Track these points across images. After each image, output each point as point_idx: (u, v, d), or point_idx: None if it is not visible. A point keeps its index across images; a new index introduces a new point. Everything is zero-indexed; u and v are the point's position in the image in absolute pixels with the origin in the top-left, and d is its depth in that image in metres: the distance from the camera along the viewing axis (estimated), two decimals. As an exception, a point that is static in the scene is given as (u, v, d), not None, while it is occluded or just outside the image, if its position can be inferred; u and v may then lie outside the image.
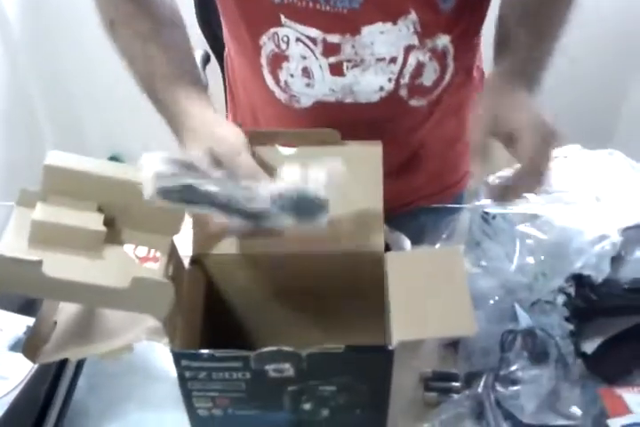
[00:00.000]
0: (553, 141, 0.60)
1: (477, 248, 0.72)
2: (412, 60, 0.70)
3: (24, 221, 0.52)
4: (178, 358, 0.52)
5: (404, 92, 0.73)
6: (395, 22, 0.67)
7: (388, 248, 0.63)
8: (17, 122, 1.64)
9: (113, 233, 0.54)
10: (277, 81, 0.75)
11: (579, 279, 0.60)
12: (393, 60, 0.70)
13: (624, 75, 1.77)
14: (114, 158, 1.92)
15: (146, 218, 0.56)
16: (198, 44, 1.16)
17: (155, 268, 0.56)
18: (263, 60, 0.74)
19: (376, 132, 0.64)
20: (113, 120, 1.83)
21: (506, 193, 0.62)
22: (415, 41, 0.69)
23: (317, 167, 0.55)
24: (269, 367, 0.52)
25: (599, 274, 0.60)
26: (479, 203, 0.71)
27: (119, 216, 0.55)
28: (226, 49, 0.87)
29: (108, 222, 0.54)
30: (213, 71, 1.15)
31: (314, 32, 0.68)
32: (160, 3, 0.68)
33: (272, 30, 0.70)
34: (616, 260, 0.60)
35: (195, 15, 1.17)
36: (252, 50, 0.74)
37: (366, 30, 0.67)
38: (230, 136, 0.60)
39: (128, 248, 0.56)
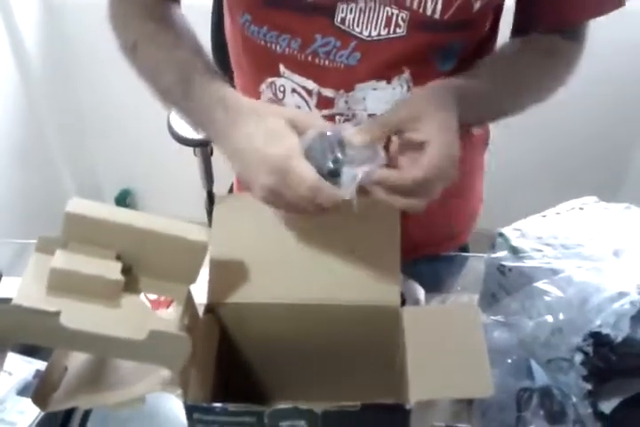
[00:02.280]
0: (446, 178, 0.56)
1: (493, 301, 0.71)
2: None
3: (42, 267, 0.52)
4: (190, 411, 0.52)
5: (394, 148, 0.73)
6: (389, 81, 0.68)
7: (402, 296, 0.63)
8: (31, 157, 1.66)
9: (130, 281, 0.54)
10: None
11: (597, 338, 0.59)
12: None
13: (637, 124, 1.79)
14: (125, 192, 1.94)
15: (163, 266, 0.56)
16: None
17: (169, 316, 0.56)
18: None
19: None
20: (125, 155, 1.85)
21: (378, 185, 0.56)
22: None
23: None
24: (284, 424, 0.51)
25: (618, 333, 0.59)
26: (495, 255, 0.71)
27: (137, 264, 0.55)
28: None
29: (126, 270, 0.54)
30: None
31: (310, 84, 0.69)
32: (178, 20, 0.71)
33: (270, 79, 0.72)
34: (635, 319, 0.60)
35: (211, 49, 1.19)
36: (252, 96, 0.76)
37: (359, 86, 0.68)
38: (274, 153, 0.56)
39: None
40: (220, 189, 1.24)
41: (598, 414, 0.59)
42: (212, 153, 1.27)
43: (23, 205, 1.58)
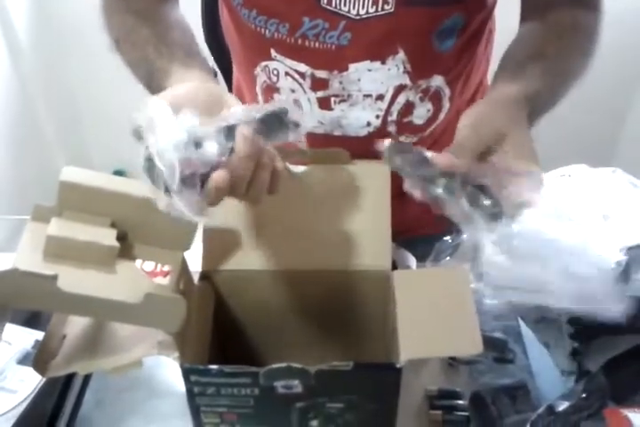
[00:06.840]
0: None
1: (482, 265, 0.72)
2: (400, 99, 0.70)
3: (38, 236, 0.53)
4: (187, 373, 0.53)
5: (392, 129, 0.73)
6: (383, 61, 0.67)
7: (394, 264, 0.64)
8: (24, 137, 1.65)
9: (125, 248, 0.55)
10: None
11: (584, 298, 0.61)
12: (380, 97, 0.70)
13: (625, 92, 1.80)
14: (118, 173, 1.94)
15: (157, 233, 0.57)
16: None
17: (165, 283, 0.57)
18: (258, 89, 0.75)
19: None
20: (118, 135, 1.85)
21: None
22: (406, 80, 0.69)
23: None
24: (278, 384, 0.52)
25: (604, 292, 0.60)
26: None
27: (131, 231, 0.56)
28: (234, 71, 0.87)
29: (121, 237, 0.55)
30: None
31: (302, 67, 0.69)
32: (161, 13, 0.69)
33: (263, 63, 0.71)
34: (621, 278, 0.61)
35: (202, 29, 1.18)
36: (249, 79, 0.75)
37: (353, 67, 0.68)
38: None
39: (137, 263, 0.57)
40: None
41: (584, 372, 0.61)
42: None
43: (17, 185, 1.58)
